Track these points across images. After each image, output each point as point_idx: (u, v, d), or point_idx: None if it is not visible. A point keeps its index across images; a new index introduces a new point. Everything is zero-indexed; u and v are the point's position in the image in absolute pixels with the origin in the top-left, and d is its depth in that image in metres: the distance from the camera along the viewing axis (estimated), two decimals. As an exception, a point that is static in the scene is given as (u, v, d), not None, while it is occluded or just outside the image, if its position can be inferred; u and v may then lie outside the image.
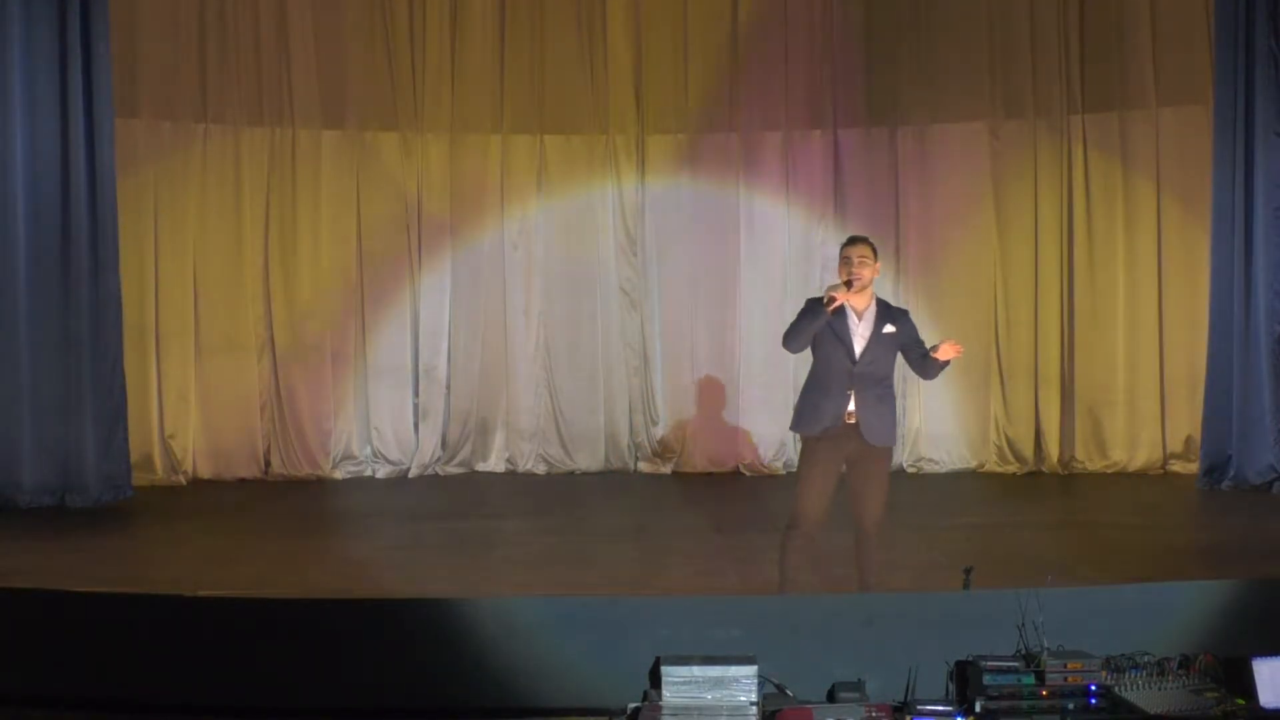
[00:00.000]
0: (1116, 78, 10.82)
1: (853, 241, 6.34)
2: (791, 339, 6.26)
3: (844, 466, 6.21)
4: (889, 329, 6.23)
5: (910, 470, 11.08)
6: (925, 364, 6.28)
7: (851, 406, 6.14)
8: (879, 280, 11.37)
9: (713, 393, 11.39)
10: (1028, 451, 10.94)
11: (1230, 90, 9.68)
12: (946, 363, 6.24)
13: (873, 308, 6.28)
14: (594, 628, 5.37)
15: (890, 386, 6.31)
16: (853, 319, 6.24)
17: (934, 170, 11.20)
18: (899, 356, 6.33)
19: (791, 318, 11.66)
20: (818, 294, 6.35)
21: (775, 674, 5.16)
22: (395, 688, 5.30)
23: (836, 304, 6.09)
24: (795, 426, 6.37)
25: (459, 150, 11.37)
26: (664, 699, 5.02)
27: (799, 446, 6.59)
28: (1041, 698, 4.99)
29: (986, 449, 11.05)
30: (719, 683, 5.01)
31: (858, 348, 6.19)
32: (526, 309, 11.41)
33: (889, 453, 6.37)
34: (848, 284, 6.16)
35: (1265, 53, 9.49)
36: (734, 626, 5.29)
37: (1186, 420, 10.56)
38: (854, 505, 6.23)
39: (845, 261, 6.24)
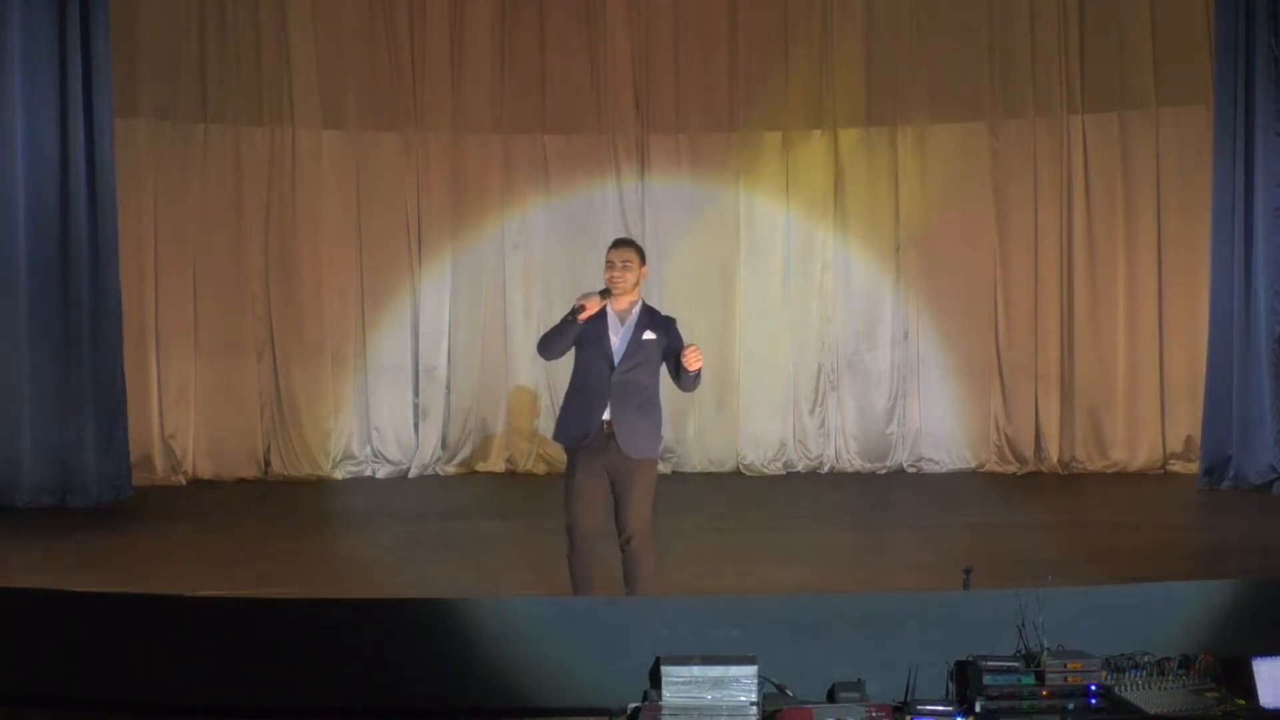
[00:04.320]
0: (1116, 78, 10.83)
1: (617, 244, 6.18)
2: (546, 346, 6.11)
3: (606, 474, 6.01)
4: (649, 335, 6.05)
5: (910, 470, 11.09)
6: (680, 376, 6.06)
7: (608, 415, 5.96)
8: (887, 279, 11.40)
9: (713, 393, 11.39)
10: (1028, 451, 10.94)
11: (1230, 90, 9.68)
12: (697, 374, 6.00)
13: (635, 314, 6.10)
14: (594, 628, 5.37)
15: (653, 396, 6.10)
16: (614, 324, 6.07)
17: (934, 170, 11.21)
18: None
19: (791, 316, 11.71)
20: (592, 292, 6.11)
21: (775, 674, 5.16)
22: (395, 688, 5.29)
23: (588, 313, 5.95)
24: (556, 436, 6.17)
25: (459, 150, 11.38)
26: (664, 699, 5.01)
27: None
28: (1041, 698, 4.98)
29: (986, 449, 11.05)
30: (719, 683, 5.01)
31: (617, 354, 6.02)
32: (526, 309, 11.41)
33: (651, 463, 6.13)
34: (604, 292, 6.02)
35: (1265, 53, 9.49)
36: (734, 626, 5.29)
37: (1186, 420, 10.56)
38: (615, 514, 6.05)
39: (609, 265, 6.09)
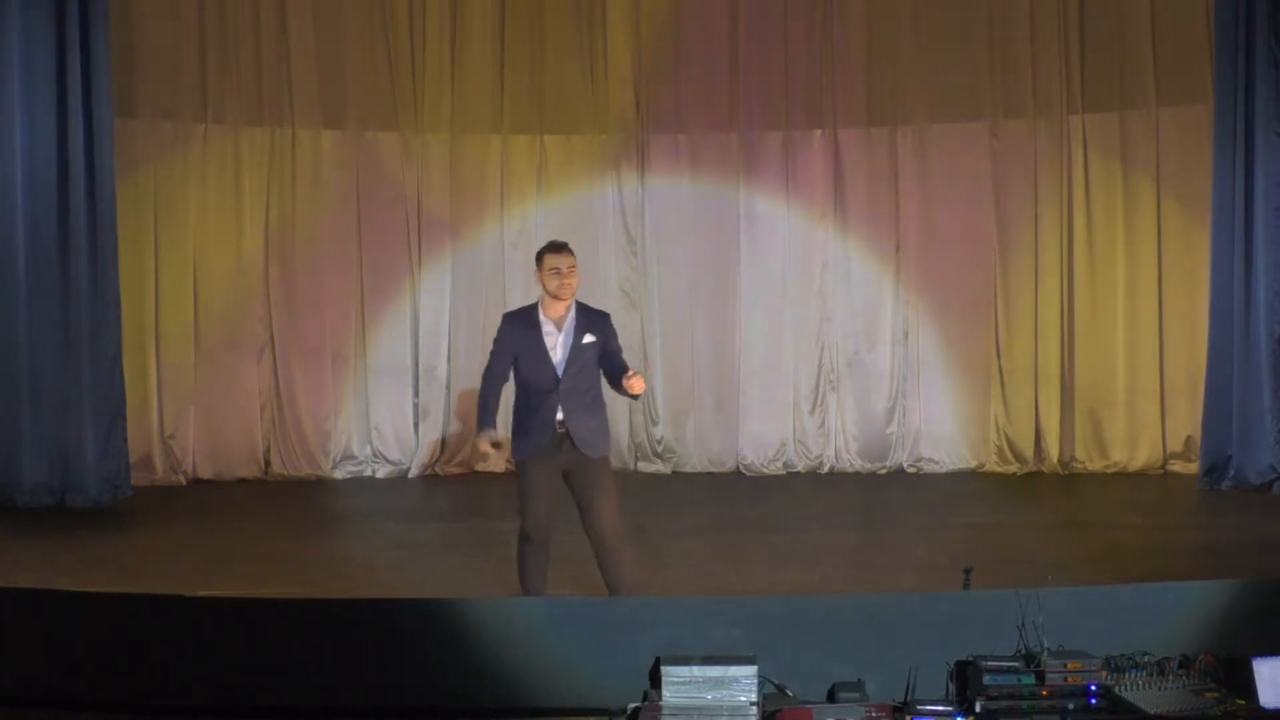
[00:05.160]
0: (1116, 78, 10.82)
1: (560, 250, 6.06)
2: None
3: (561, 477, 6.02)
4: (589, 339, 6.03)
5: (910, 470, 11.08)
6: (616, 379, 6.03)
7: (560, 416, 5.95)
8: (887, 279, 11.39)
9: (713, 393, 11.39)
10: (1028, 451, 10.93)
11: (1230, 90, 9.67)
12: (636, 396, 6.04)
13: (571, 316, 6.05)
14: (594, 628, 5.37)
15: (599, 394, 6.10)
16: (550, 331, 6.04)
17: (934, 170, 11.20)
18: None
19: (791, 317, 11.61)
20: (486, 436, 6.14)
21: (775, 674, 5.16)
22: (395, 688, 5.30)
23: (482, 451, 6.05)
24: (516, 454, 6.11)
25: (459, 150, 11.37)
26: (664, 699, 5.02)
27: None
28: (1041, 698, 4.99)
29: (986, 449, 11.04)
30: (719, 683, 5.01)
31: (559, 363, 5.99)
32: (526, 309, 11.40)
33: (609, 461, 6.16)
34: (496, 444, 6.07)
35: (1265, 53, 9.49)
36: (734, 626, 5.29)
37: (1186, 420, 10.56)
38: (585, 518, 6.02)
39: (554, 273, 5.99)
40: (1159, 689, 5.02)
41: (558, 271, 6.01)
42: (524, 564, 6.08)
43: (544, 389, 5.99)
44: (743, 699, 5.00)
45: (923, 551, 7.85)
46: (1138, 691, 5.00)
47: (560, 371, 5.99)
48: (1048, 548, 7.89)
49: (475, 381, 11.11)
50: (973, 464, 11.06)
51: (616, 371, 6.06)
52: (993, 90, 11.07)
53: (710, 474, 11.23)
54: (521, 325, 6.09)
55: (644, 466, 11.30)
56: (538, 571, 6.07)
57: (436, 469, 11.20)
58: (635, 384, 5.90)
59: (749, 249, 11.40)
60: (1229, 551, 7.79)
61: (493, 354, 6.22)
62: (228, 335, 10.97)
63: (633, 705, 5.08)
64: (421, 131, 11.30)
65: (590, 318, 6.11)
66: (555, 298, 6.04)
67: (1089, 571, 7.02)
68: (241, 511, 9.78)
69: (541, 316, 6.07)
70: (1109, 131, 10.85)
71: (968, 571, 5.66)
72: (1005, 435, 11.02)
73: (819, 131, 11.33)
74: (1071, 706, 4.99)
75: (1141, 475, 10.63)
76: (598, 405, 6.09)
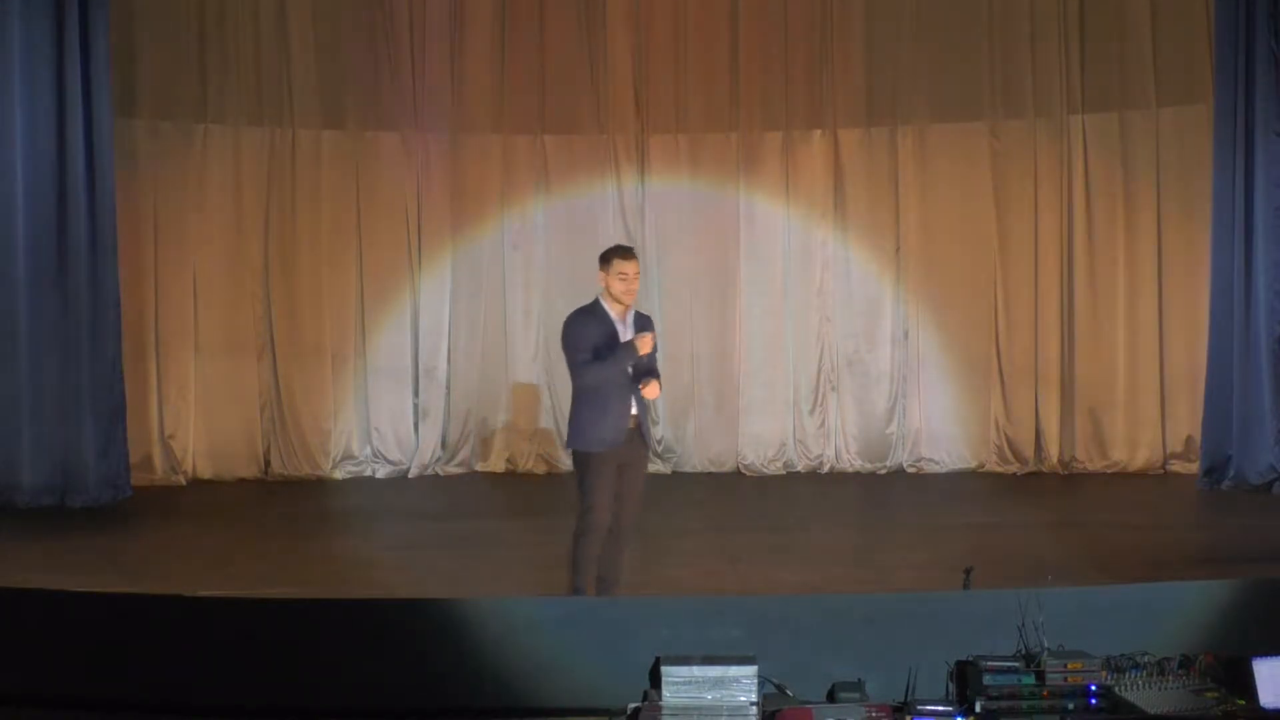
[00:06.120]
0: (1116, 78, 10.83)
1: (627, 255, 6.32)
2: (601, 373, 6.20)
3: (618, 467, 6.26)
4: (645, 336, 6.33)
5: (910, 470, 11.08)
6: (638, 379, 6.32)
7: (634, 410, 6.24)
8: (887, 279, 11.38)
9: (713, 393, 11.39)
10: (1028, 451, 10.93)
11: (1230, 90, 9.67)
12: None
13: (630, 317, 6.38)
14: (594, 628, 5.38)
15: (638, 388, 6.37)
16: (622, 331, 6.30)
17: (934, 170, 11.20)
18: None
19: (791, 316, 11.65)
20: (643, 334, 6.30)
21: (775, 674, 5.16)
22: (395, 688, 5.30)
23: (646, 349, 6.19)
24: (582, 445, 6.25)
25: (459, 150, 11.37)
26: (664, 699, 5.02)
27: (583, 458, 6.34)
28: (1041, 698, 4.99)
29: (986, 449, 11.04)
30: (719, 683, 5.01)
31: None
32: (526, 309, 11.41)
33: (649, 451, 6.57)
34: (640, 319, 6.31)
35: (1265, 53, 9.49)
36: (734, 626, 5.30)
37: (1186, 420, 10.56)
38: (624, 502, 6.27)
39: (621, 277, 6.24)
40: (1159, 689, 5.03)
41: (625, 277, 6.27)
42: (589, 554, 6.22)
43: (619, 383, 6.23)
44: (743, 699, 5.00)
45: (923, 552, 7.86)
46: (1138, 691, 5.00)
47: (630, 367, 6.25)
48: (1048, 548, 7.89)
49: (474, 381, 11.30)
50: (973, 464, 11.06)
51: (649, 372, 6.34)
52: (993, 90, 11.07)
53: (710, 474, 11.23)
54: (596, 321, 6.31)
55: (644, 466, 11.28)
56: (608, 558, 6.25)
57: (436, 469, 11.20)
58: (651, 390, 6.23)
59: (749, 249, 11.40)
60: (1229, 551, 7.79)
61: (581, 350, 6.27)
62: (228, 335, 10.97)
63: (633, 705, 5.08)
64: (421, 131, 11.29)
65: (641, 319, 6.43)
66: (618, 301, 6.30)
67: (1089, 571, 7.02)
68: (241, 511, 9.79)
69: (613, 315, 6.32)
70: (1109, 131, 10.85)
71: (968, 571, 5.66)
72: (1005, 435, 11.02)
73: (819, 131, 11.33)
74: (1071, 706, 4.99)
75: (1141, 475, 10.62)
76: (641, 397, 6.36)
